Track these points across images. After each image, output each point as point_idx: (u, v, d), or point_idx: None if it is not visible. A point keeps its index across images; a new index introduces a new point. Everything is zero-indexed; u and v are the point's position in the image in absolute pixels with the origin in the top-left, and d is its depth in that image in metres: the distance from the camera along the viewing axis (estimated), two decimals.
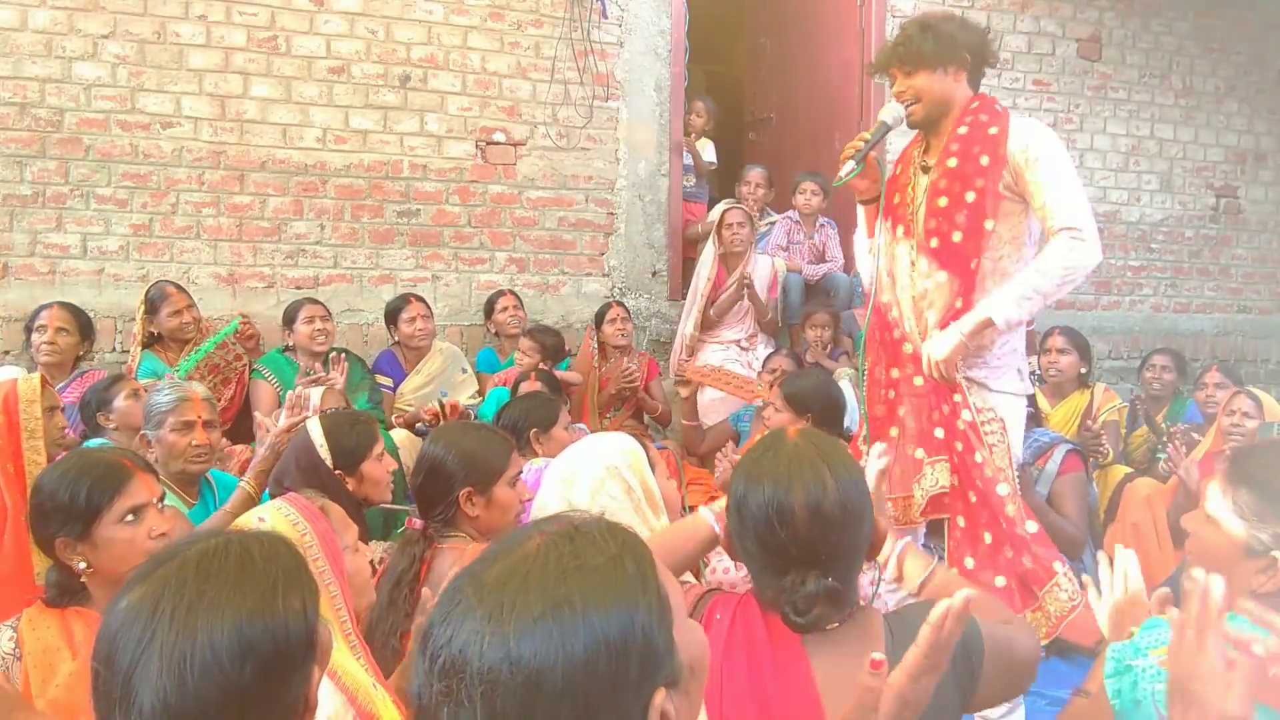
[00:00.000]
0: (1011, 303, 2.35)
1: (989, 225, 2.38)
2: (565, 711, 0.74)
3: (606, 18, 5.01)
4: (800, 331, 4.88)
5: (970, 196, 2.39)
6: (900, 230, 2.54)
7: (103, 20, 4.32)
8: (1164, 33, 6.13)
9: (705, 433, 4.40)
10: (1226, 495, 1.41)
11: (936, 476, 2.42)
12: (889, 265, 2.58)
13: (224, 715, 0.89)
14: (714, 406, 4.44)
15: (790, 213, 5.26)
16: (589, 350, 4.63)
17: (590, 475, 2.00)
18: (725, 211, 4.72)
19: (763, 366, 4.40)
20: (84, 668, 1.51)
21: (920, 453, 2.46)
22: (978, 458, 2.39)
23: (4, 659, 1.64)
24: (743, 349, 4.72)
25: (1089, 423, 3.94)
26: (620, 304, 4.71)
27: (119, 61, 4.35)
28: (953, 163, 2.44)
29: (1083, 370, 4.11)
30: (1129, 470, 4.05)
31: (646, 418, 4.66)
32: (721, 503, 1.69)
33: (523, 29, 4.92)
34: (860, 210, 2.74)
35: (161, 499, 1.83)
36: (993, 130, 2.42)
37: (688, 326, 4.73)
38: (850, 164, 2.49)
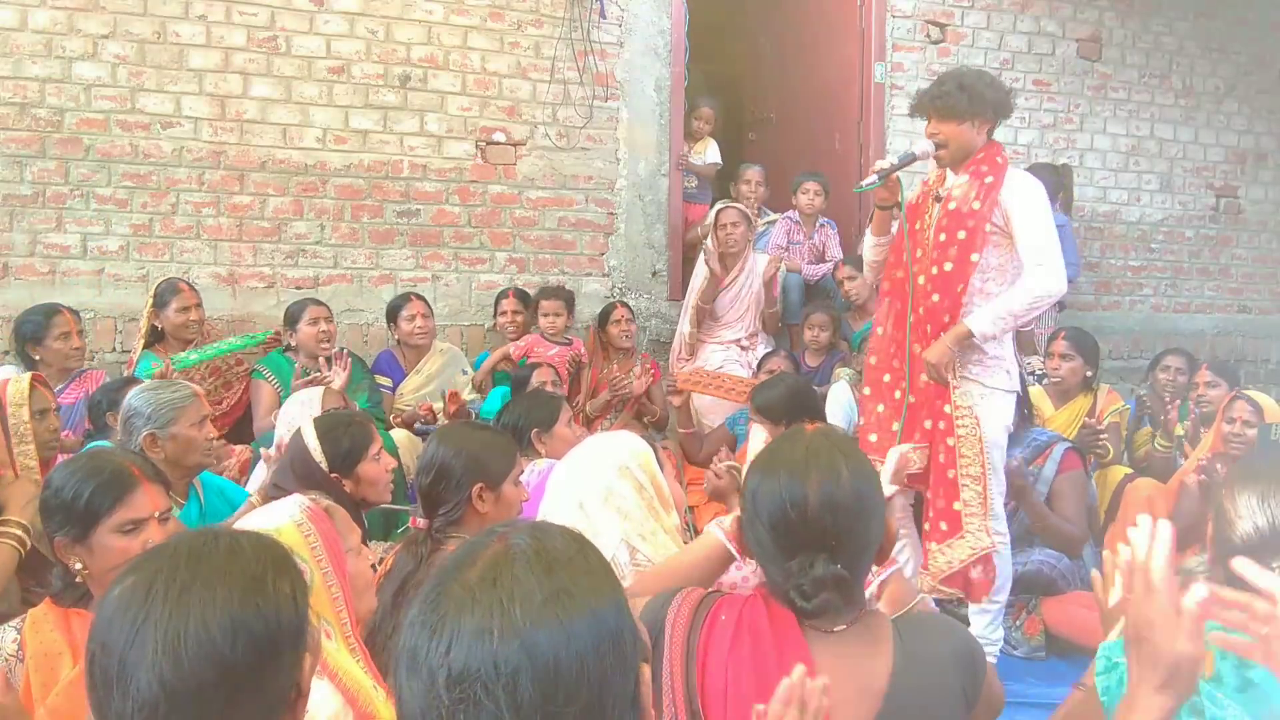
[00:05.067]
0: (988, 321, 2.89)
1: (975, 258, 2.91)
2: (584, 692, 0.78)
3: (605, 18, 5.01)
4: (800, 332, 4.87)
5: (961, 235, 2.92)
6: (919, 251, 3.03)
7: (103, 20, 4.31)
8: (1164, 33, 6.12)
9: (703, 439, 4.38)
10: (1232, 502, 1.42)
11: (916, 459, 2.92)
12: (912, 279, 3.05)
13: (218, 694, 0.90)
14: (714, 407, 4.43)
15: (790, 213, 5.26)
16: (592, 350, 4.62)
17: (602, 476, 1.96)
18: (719, 212, 4.70)
19: (758, 367, 4.39)
20: (81, 673, 1.51)
21: (917, 435, 3.02)
22: (950, 443, 2.96)
23: (7, 660, 1.64)
24: (743, 349, 4.71)
25: (1088, 420, 3.93)
26: (624, 305, 4.71)
27: (119, 61, 4.35)
28: (952, 205, 2.96)
29: (1088, 374, 4.08)
30: (1129, 470, 4.04)
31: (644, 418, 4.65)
32: (729, 519, 1.70)
33: (523, 29, 4.92)
34: (875, 211, 3.23)
35: (167, 512, 1.81)
36: (989, 180, 2.93)
37: (685, 325, 4.73)
38: (873, 177, 2.98)
